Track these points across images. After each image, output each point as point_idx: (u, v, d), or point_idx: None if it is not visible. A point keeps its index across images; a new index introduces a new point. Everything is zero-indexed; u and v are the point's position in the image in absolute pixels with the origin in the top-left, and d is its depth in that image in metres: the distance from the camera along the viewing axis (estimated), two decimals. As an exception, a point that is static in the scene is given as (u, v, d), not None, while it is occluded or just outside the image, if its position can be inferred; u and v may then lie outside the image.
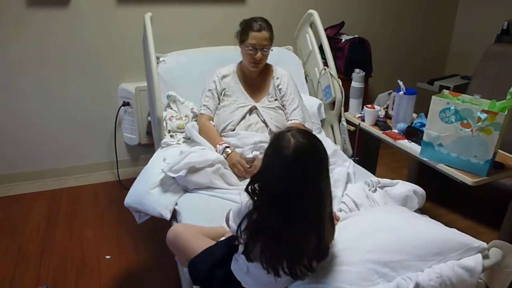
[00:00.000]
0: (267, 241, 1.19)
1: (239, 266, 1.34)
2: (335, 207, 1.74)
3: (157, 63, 2.46)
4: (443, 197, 3.00)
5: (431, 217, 1.60)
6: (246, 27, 2.15)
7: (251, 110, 2.23)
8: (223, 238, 1.56)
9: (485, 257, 1.32)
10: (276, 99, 2.27)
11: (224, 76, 2.29)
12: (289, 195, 1.15)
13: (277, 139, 1.19)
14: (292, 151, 1.13)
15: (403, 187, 1.79)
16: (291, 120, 2.26)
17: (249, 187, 1.23)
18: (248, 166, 2.07)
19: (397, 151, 2.22)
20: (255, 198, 1.21)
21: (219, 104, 2.28)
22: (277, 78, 2.30)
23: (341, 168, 2.02)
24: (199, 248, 1.48)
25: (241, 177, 2.07)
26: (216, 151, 2.10)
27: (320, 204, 1.19)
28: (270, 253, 1.19)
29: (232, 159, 2.07)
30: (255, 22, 2.14)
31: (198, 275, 1.45)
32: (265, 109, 2.23)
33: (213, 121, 2.26)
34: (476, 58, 2.99)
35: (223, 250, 1.45)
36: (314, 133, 2.32)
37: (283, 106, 2.29)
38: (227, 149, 2.09)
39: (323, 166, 1.19)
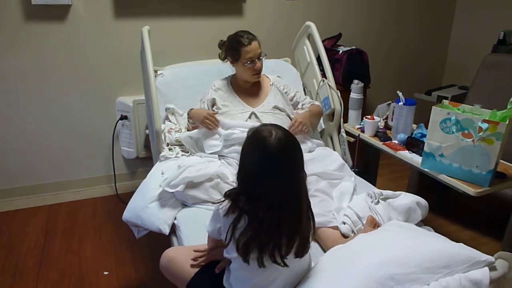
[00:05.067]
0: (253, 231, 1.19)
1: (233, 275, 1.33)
2: (339, 220, 1.73)
3: (155, 76, 2.46)
4: (443, 207, 2.98)
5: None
6: (235, 45, 2.18)
7: (250, 116, 2.25)
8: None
9: (492, 269, 1.30)
10: (275, 106, 2.29)
11: (218, 89, 2.34)
12: (271, 186, 1.17)
13: (255, 133, 1.20)
14: (274, 142, 1.15)
15: (406, 199, 1.76)
16: (310, 104, 2.42)
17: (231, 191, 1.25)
18: None
19: (396, 162, 2.21)
20: (240, 200, 1.21)
21: None
22: (279, 85, 2.39)
23: (348, 183, 2.00)
24: (194, 270, 1.46)
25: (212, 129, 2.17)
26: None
27: (299, 195, 1.22)
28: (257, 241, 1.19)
29: (200, 115, 2.19)
30: (241, 37, 2.18)
31: None
32: (264, 114, 2.25)
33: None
34: (473, 68, 3.00)
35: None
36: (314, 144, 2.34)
37: (295, 104, 2.41)
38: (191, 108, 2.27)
39: (301, 157, 1.22)
